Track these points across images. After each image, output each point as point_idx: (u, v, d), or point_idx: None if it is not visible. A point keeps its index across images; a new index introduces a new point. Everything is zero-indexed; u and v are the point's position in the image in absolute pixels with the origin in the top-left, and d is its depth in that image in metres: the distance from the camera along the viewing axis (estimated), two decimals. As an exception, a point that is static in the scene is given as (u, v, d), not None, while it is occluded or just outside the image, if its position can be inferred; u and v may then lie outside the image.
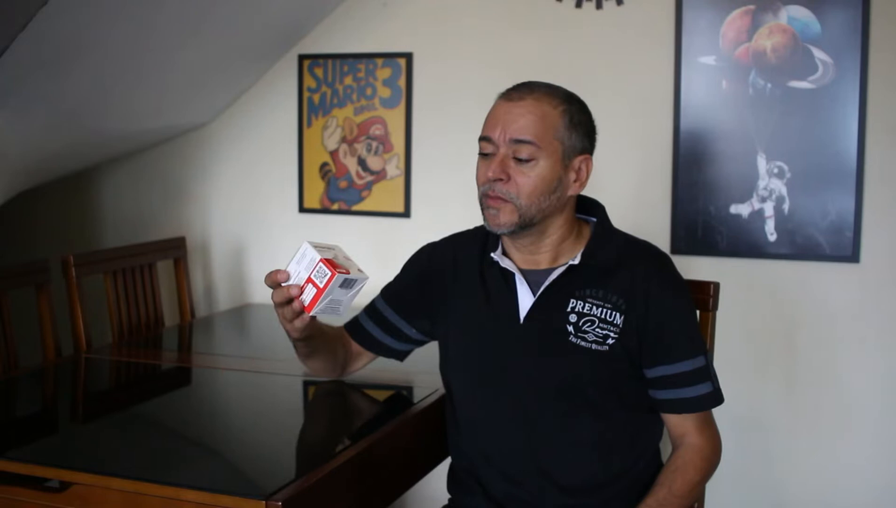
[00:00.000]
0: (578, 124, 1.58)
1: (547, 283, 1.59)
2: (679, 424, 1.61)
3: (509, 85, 1.63)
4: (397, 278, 1.81)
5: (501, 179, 1.54)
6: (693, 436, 1.60)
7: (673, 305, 1.59)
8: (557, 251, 1.62)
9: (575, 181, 1.59)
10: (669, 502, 1.55)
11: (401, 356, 1.84)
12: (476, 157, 1.61)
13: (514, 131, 1.54)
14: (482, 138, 1.58)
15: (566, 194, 1.59)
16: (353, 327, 1.82)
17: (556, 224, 1.60)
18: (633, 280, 1.58)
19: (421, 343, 1.82)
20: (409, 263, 1.80)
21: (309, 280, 1.50)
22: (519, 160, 1.54)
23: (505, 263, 1.62)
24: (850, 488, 2.54)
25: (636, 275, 1.58)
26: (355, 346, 1.82)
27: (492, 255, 1.64)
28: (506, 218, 1.55)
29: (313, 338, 1.67)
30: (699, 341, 1.62)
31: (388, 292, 1.81)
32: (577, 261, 1.59)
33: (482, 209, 1.60)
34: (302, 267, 1.51)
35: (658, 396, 1.60)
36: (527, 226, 1.56)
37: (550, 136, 1.55)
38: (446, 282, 1.70)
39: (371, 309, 1.81)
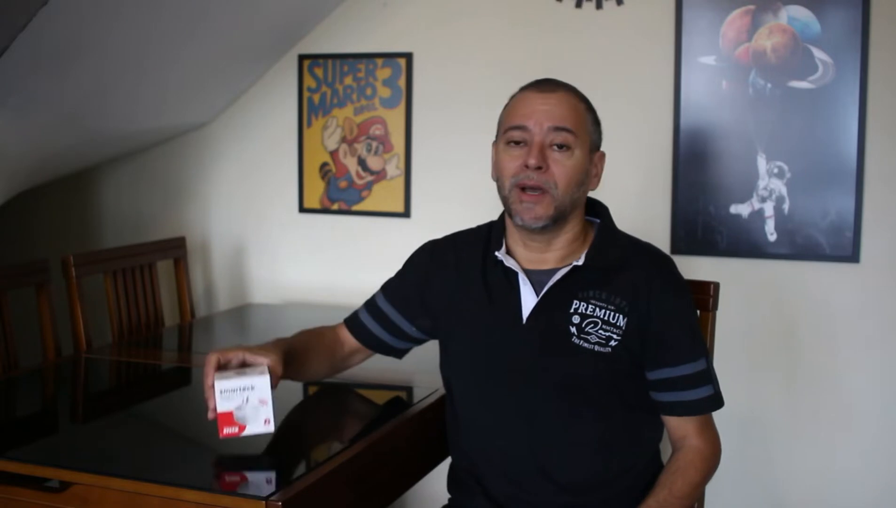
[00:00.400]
0: (597, 122, 1.63)
1: (551, 283, 1.59)
2: (679, 426, 1.61)
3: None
4: (398, 275, 1.80)
5: (541, 168, 1.53)
6: (693, 438, 1.60)
7: (675, 308, 1.59)
8: (566, 251, 1.62)
9: (594, 176, 1.62)
10: (670, 503, 1.55)
11: (400, 354, 1.83)
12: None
13: (553, 119, 1.54)
14: (513, 127, 1.57)
15: (588, 189, 1.61)
16: (353, 323, 1.81)
17: (574, 220, 1.61)
18: (636, 282, 1.58)
19: (421, 342, 1.81)
20: (410, 261, 1.79)
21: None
22: (557, 148, 1.54)
23: (509, 262, 1.62)
24: (850, 488, 2.54)
25: (639, 277, 1.58)
26: (351, 343, 1.80)
27: (496, 254, 1.64)
28: (542, 210, 1.54)
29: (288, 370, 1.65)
30: (701, 344, 1.62)
31: (389, 289, 1.79)
32: (581, 262, 1.59)
33: (511, 203, 1.57)
34: (224, 395, 1.50)
35: (659, 398, 1.60)
36: (559, 219, 1.56)
37: (583, 128, 1.57)
38: (448, 281, 1.70)
39: (372, 306, 1.80)
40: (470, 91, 2.79)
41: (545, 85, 1.59)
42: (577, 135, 1.55)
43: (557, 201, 1.54)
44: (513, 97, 1.62)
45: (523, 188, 1.55)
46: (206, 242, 3.22)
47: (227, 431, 1.49)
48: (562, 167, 1.54)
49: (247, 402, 1.50)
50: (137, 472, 1.45)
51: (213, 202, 3.21)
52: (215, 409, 1.51)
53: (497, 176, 1.61)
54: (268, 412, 1.50)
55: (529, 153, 1.54)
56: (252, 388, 1.50)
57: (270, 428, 1.51)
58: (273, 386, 1.53)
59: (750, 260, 2.58)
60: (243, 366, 1.57)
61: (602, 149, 1.66)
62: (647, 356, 1.58)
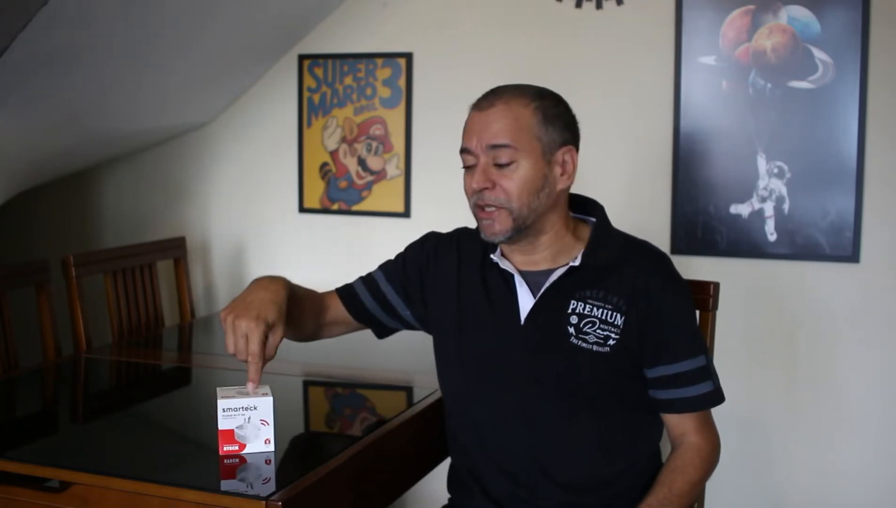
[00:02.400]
0: (554, 118, 1.57)
1: (547, 284, 1.59)
2: (679, 423, 1.61)
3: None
4: (400, 259, 1.79)
5: (487, 188, 1.54)
6: (692, 436, 1.60)
7: (673, 304, 1.59)
8: (555, 250, 1.62)
9: (562, 175, 1.58)
10: (670, 501, 1.55)
11: (385, 332, 1.82)
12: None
13: (488, 138, 1.54)
14: (462, 151, 1.59)
15: (556, 190, 1.58)
16: (347, 294, 1.78)
17: (550, 221, 1.60)
18: (633, 280, 1.58)
19: (409, 327, 1.80)
20: (414, 248, 1.78)
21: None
22: (500, 165, 1.54)
23: (504, 264, 1.62)
24: (850, 487, 2.54)
25: (637, 275, 1.58)
26: (338, 312, 1.78)
27: (491, 257, 1.64)
28: (500, 226, 1.55)
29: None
30: (699, 340, 1.62)
31: (389, 271, 1.78)
32: (577, 262, 1.59)
33: (477, 221, 1.60)
34: (227, 414, 1.51)
35: (659, 396, 1.60)
36: (522, 229, 1.56)
37: (527, 135, 1.54)
38: (449, 278, 1.70)
39: (369, 281, 1.78)
40: (470, 91, 2.73)
41: (484, 101, 1.59)
42: (518, 147, 1.53)
43: (514, 213, 1.54)
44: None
45: (479, 208, 1.57)
46: (206, 242, 3.22)
47: (227, 449, 1.51)
48: (509, 182, 1.54)
49: (248, 422, 1.51)
50: (137, 472, 1.45)
51: (213, 202, 3.21)
52: (254, 380, 1.51)
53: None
54: (269, 432, 1.52)
55: (474, 176, 1.56)
56: (254, 408, 1.51)
57: (271, 447, 1.52)
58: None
59: (750, 260, 2.58)
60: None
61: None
62: (645, 354, 1.58)
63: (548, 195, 1.57)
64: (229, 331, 1.52)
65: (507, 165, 1.53)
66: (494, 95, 1.58)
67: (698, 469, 1.58)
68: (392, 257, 1.81)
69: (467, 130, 1.58)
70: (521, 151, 1.53)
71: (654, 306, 1.56)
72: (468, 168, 1.59)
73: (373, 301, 1.77)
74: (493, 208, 1.55)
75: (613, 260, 1.60)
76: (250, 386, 1.52)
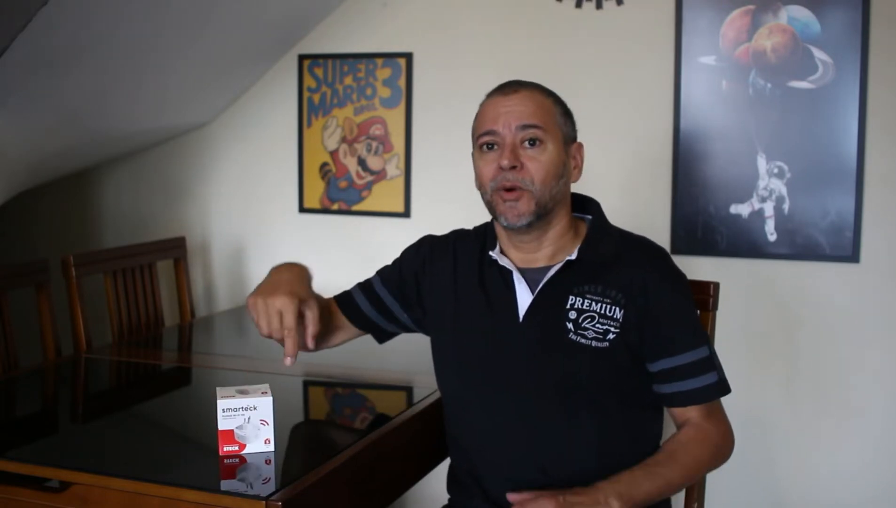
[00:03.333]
0: (567, 113, 1.62)
1: (545, 280, 1.59)
2: (684, 416, 1.60)
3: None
4: (396, 264, 1.80)
5: (515, 167, 1.54)
6: (697, 420, 1.60)
7: (672, 297, 1.59)
8: (557, 247, 1.62)
9: (574, 168, 1.63)
10: (661, 475, 1.53)
11: (384, 336, 1.83)
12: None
13: (519, 118, 1.56)
14: (483, 134, 1.59)
15: (570, 181, 1.62)
16: (345, 301, 1.79)
17: (560, 214, 1.61)
18: (631, 274, 1.58)
19: (408, 330, 1.81)
20: (410, 252, 1.79)
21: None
22: (530, 144, 1.55)
23: (503, 261, 1.62)
24: (850, 487, 2.54)
25: (634, 269, 1.58)
26: (337, 319, 1.78)
27: (490, 253, 1.64)
28: (524, 207, 1.55)
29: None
30: (701, 331, 1.62)
31: (386, 276, 1.79)
32: (574, 256, 1.59)
33: (494, 206, 1.59)
34: (226, 414, 1.51)
35: (663, 390, 1.60)
36: (542, 215, 1.56)
37: (552, 121, 1.58)
38: (446, 279, 1.70)
39: (366, 287, 1.79)
40: (470, 91, 2.74)
41: (508, 87, 1.61)
42: (547, 129, 1.56)
43: (537, 196, 1.55)
44: (480, 105, 1.64)
45: (503, 190, 1.56)
46: (206, 242, 3.22)
47: (227, 449, 1.51)
48: (536, 163, 1.55)
49: (248, 422, 1.51)
50: (137, 472, 1.45)
51: (213, 202, 3.21)
52: (292, 354, 1.51)
53: (479, 184, 1.62)
54: (269, 432, 1.52)
55: (502, 155, 1.56)
56: (254, 408, 1.51)
57: (271, 447, 1.52)
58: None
59: (750, 260, 2.58)
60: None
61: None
62: (646, 347, 1.57)
63: (565, 184, 1.60)
64: (262, 312, 1.52)
65: (536, 145, 1.55)
66: (516, 84, 1.61)
67: (700, 444, 1.57)
68: (390, 259, 1.81)
69: (489, 115, 1.59)
70: (549, 134, 1.56)
71: (653, 302, 1.56)
72: (488, 150, 1.58)
73: (371, 307, 1.78)
74: (518, 191, 1.55)
75: (611, 255, 1.60)
76: (288, 361, 1.51)
